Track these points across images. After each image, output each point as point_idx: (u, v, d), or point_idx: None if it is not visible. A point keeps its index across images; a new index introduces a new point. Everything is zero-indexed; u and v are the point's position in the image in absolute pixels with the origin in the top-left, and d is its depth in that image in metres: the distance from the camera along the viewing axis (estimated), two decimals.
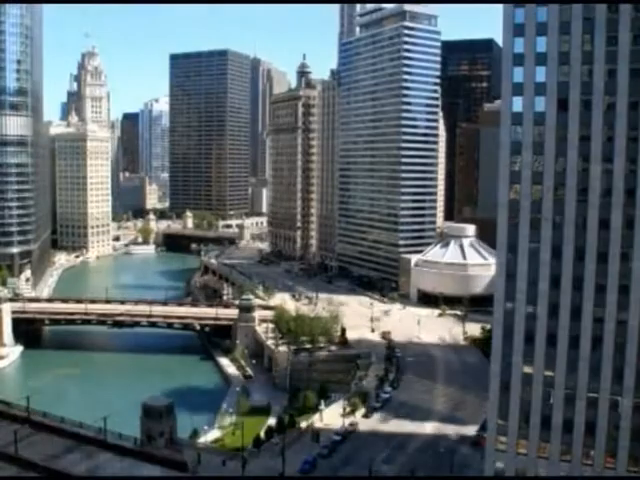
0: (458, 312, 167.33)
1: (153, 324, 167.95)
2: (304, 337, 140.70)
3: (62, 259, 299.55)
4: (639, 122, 70.14)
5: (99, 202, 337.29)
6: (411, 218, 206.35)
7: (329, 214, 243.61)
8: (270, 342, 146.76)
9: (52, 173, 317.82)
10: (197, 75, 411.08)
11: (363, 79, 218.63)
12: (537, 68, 73.38)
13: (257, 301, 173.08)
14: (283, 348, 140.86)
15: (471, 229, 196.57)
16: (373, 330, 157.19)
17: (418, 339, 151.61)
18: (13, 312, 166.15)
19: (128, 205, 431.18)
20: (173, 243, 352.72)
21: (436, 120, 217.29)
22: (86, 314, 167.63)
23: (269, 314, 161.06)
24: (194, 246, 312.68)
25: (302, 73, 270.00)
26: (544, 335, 75.34)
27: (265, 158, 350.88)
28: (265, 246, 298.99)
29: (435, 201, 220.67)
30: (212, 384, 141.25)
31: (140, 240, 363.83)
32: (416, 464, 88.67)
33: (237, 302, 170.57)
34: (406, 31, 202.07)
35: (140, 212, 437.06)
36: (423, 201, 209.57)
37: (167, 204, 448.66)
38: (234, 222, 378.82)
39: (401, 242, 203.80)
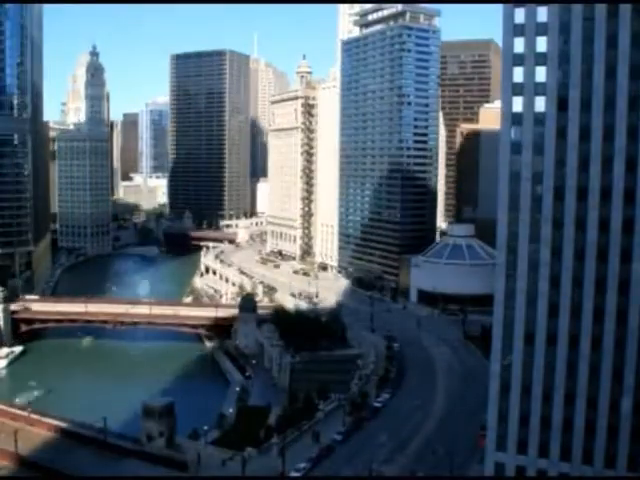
0: (458, 312, 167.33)
1: (153, 324, 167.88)
2: (304, 336, 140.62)
3: (62, 259, 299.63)
4: (639, 122, 70.23)
5: (99, 202, 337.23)
6: (411, 218, 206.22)
7: (329, 214, 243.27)
8: (270, 342, 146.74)
9: (52, 173, 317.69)
10: (197, 75, 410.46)
11: (363, 78, 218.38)
12: (537, 68, 73.41)
13: (257, 301, 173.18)
14: (283, 348, 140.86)
15: (471, 229, 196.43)
16: (373, 330, 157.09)
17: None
18: (13, 312, 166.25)
19: (128, 205, 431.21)
20: (173, 243, 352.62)
21: (436, 120, 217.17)
22: (86, 314, 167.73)
23: (269, 314, 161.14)
24: (194, 246, 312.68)
25: (302, 73, 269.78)
26: (544, 335, 75.40)
27: (265, 158, 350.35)
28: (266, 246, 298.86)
29: (435, 201, 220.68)
30: (212, 384, 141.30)
31: (140, 240, 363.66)
32: (416, 464, 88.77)
33: (237, 302, 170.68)
34: (406, 31, 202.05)
35: (140, 212, 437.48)
36: (423, 201, 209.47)
37: (167, 204, 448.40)
38: (234, 222, 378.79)
39: (401, 242, 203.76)
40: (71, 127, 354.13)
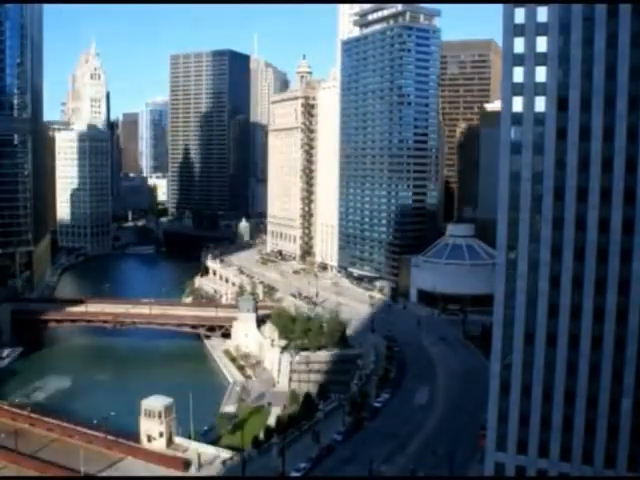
0: (458, 312, 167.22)
1: (153, 324, 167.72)
2: (304, 337, 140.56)
3: (62, 259, 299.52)
4: (639, 122, 70.22)
5: (99, 202, 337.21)
6: (411, 218, 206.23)
7: (329, 214, 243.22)
8: (270, 342, 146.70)
9: (52, 173, 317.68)
10: (197, 75, 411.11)
11: (363, 78, 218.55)
12: (537, 68, 73.42)
13: (257, 301, 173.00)
14: (283, 348, 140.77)
15: (471, 229, 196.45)
16: (373, 330, 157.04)
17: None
18: (13, 312, 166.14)
19: (128, 205, 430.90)
20: (173, 243, 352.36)
21: (436, 120, 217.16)
22: (86, 314, 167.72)
23: (269, 314, 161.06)
24: (194, 246, 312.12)
25: (302, 73, 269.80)
26: (544, 335, 75.41)
27: (265, 158, 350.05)
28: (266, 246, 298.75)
29: (435, 201, 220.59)
30: (212, 384, 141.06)
31: (140, 240, 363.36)
32: (416, 464, 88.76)
33: (237, 302, 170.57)
34: (406, 31, 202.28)
35: (140, 212, 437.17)
36: (423, 201, 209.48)
37: (167, 204, 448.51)
38: (234, 222, 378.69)
39: (401, 242, 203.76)
40: (71, 127, 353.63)
